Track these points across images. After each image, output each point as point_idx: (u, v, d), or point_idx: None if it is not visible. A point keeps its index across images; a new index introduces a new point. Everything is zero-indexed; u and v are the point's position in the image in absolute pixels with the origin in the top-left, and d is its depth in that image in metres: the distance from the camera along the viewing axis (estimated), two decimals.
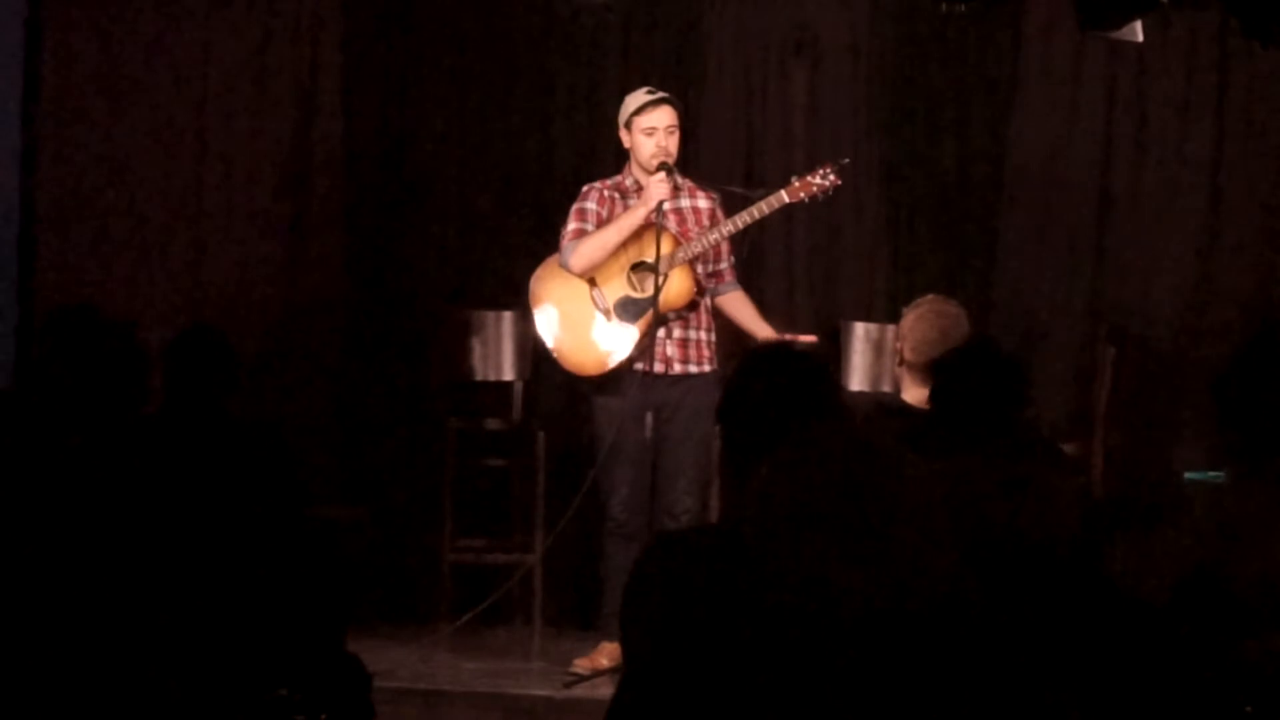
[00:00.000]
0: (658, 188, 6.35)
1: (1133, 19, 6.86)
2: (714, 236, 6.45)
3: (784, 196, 6.41)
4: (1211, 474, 6.37)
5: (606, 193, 6.58)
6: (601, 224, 6.50)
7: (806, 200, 6.45)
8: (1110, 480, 7.22)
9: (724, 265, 6.62)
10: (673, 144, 6.47)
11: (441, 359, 7.65)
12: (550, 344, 6.58)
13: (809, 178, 6.43)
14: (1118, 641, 3.21)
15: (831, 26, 7.82)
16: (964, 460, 4.10)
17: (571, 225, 6.55)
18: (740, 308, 6.63)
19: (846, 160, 6.59)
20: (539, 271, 6.64)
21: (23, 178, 7.54)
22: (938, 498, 2.61)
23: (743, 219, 6.44)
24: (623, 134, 6.54)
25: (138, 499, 3.77)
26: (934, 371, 4.70)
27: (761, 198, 6.46)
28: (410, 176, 7.89)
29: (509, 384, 7.61)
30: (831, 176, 6.42)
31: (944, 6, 7.25)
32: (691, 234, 6.51)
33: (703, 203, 6.61)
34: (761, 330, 6.56)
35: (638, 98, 6.51)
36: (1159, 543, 4.44)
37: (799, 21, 7.83)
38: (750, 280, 7.01)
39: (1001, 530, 3.71)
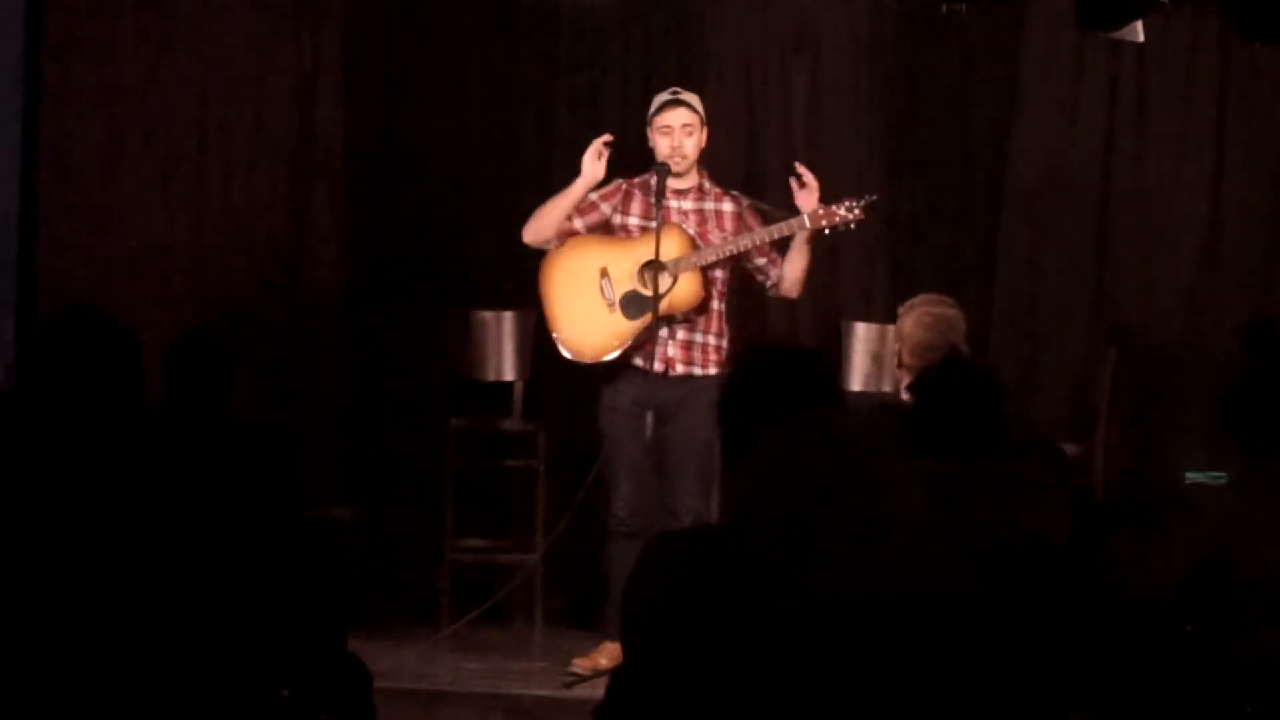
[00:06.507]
0: (590, 166, 6.46)
1: (1133, 19, 6.86)
2: (730, 248, 6.44)
3: (805, 222, 6.41)
4: (1213, 474, 6.36)
5: (626, 186, 6.60)
6: (590, 210, 6.56)
7: (827, 230, 6.43)
8: (1111, 480, 7.22)
9: (771, 271, 6.57)
10: (689, 144, 6.49)
11: (441, 359, 7.65)
12: (552, 327, 6.60)
13: (833, 207, 6.41)
14: (1118, 641, 3.21)
15: (832, 26, 7.82)
16: (955, 463, 4.12)
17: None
18: (790, 265, 6.52)
19: (874, 197, 6.55)
20: (550, 254, 6.66)
21: (23, 177, 7.54)
22: (929, 497, 2.61)
23: (760, 236, 6.44)
24: (648, 133, 6.57)
25: (137, 500, 3.77)
26: (914, 389, 4.71)
27: (780, 216, 6.47)
28: (410, 176, 7.88)
29: (509, 384, 7.60)
30: (856, 211, 6.40)
31: (945, 7, 7.25)
32: (711, 237, 6.50)
33: (727, 206, 6.59)
34: (794, 238, 6.45)
35: (660, 98, 6.55)
36: (1160, 543, 4.44)
37: (800, 21, 7.83)
38: (751, 280, 7.01)
39: (992, 530, 3.71)
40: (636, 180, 6.63)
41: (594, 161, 6.49)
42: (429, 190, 7.88)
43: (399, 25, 7.94)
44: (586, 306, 6.53)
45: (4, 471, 3.84)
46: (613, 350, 6.49)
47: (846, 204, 6.40)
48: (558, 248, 6.60)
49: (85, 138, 7.65)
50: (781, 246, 6.53)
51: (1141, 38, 6.97)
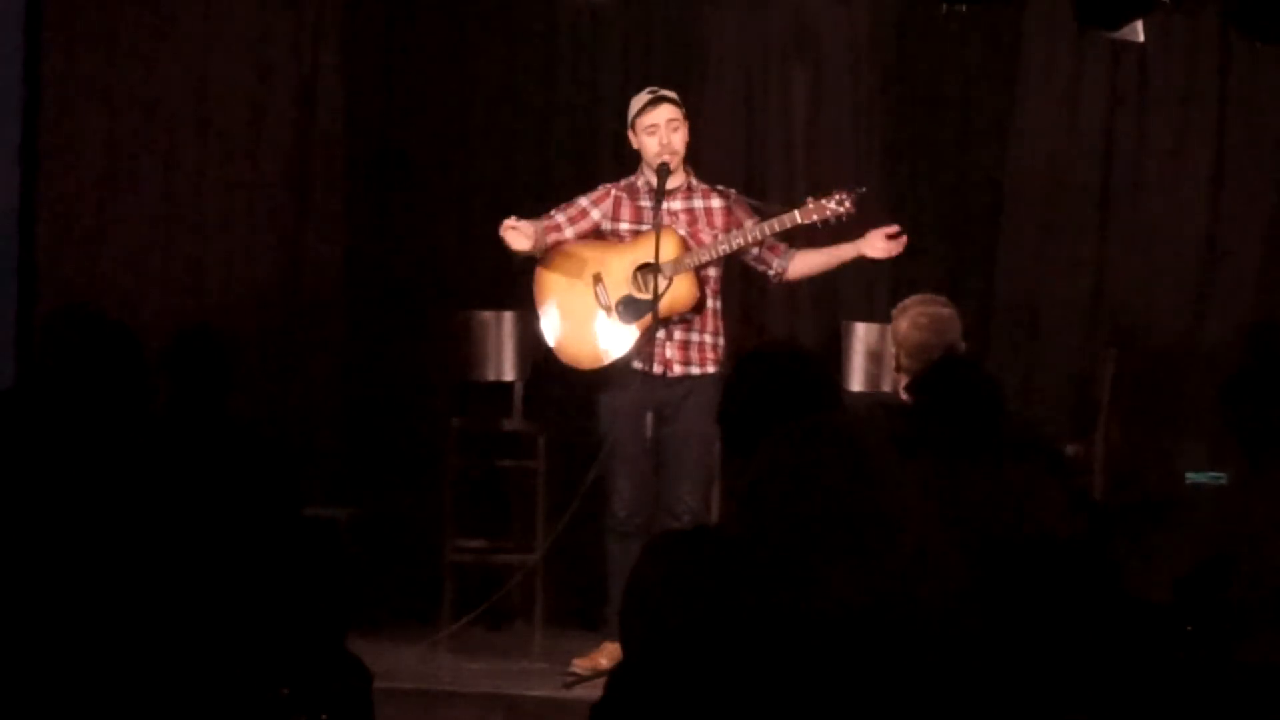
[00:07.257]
0: (514, 239, 6.42)
1: (1133, 19, 6.86)
2: (722, 248, 6.44)
3: (797, 217, 6.41)
4: (1213, 474, 6.38)
5: (615, 192, 6.59)
6: (580, 218, 6.55)
7: (819, 224, 6.43)
8: (1111, 481, 7.21)
9: (771, 260, 6.59)
10: (677, 139, 6.50)
11: (441, 359, 7.65)
12: (549, 335, 6.60)
13: (824, 201, 6.41)
14: (1118, 642, 3.20)
15: (832, 27, 7.81)
16: (954, 463, 4.12)
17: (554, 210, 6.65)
18: (810, 262, 6.60)
19: (864, 189, 6.56)
20: (542, 264, 6.65)
21: (23, 178, 7.53)
22: (929, 497, 2.61)
23: (752, 234, 6.44)
24: (630, 136, 6.57)
25: (137, 499, 3.77)
26: (913, 390, 4.71)
27: (775, 213, 6.46)
28: (410, 176, 7.88)
29: (509, 384, 7.60)
30: (847, 203, 6.40)
31: (944, 6, 7.24)
32: (702, 235, 6.50)
33: (716, 202, 6.58)
34: (839, 252, 6.55)
35: (640, 99, 6.54)
36: (1160, 543, 4.45)
37: (799, 22, 7.83)
38: (751, 280, 7.01)
39: (992, 531, 3.71)
40: (623, 184, 6.63)
41: (517, 239, 6.45)
42: (428, 191, 7.88)
43: (399, 25, 7.93)
44: (583, 314, 6.53)
45: (4, 470, 3.84)
46: (615, 355, 6.49)
47: (837, 197, 6.41)
48: (546, 256, 6.60)
49: (85, 136, 7.65)
50: (779, 236, 6.54)
51: (1141, 37, 6.97)
